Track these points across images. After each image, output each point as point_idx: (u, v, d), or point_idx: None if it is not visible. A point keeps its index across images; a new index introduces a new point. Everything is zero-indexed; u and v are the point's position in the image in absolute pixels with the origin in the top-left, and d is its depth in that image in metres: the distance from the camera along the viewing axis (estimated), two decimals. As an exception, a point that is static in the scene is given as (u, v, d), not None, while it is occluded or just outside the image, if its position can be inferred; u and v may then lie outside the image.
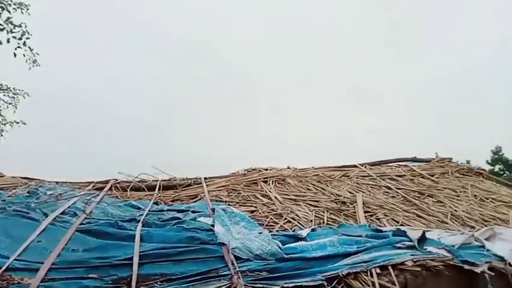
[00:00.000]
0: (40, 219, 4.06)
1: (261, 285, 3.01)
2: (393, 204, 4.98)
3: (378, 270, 3.09)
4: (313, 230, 3.92)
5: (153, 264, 3.28)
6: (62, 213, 4.37)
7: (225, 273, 3.14)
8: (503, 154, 43.58)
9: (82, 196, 5.29)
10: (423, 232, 3.51)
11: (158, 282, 3.06)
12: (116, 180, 6.11)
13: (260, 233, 3.68)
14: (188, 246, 3.49)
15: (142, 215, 4.39)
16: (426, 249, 3.40)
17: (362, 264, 3.15)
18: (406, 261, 3.17)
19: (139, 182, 6.10)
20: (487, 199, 5.47)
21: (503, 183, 6.75)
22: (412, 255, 3.25)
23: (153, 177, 6.12)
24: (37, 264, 3.14)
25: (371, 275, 3.04)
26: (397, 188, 5.59)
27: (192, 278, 3.07)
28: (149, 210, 4.64)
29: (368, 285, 2.96)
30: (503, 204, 5.32)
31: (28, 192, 5.05)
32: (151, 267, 3.24)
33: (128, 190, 5.81)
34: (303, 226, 4.09)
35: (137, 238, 3.61)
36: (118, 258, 3.32)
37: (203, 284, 3.03)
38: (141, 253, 3.36)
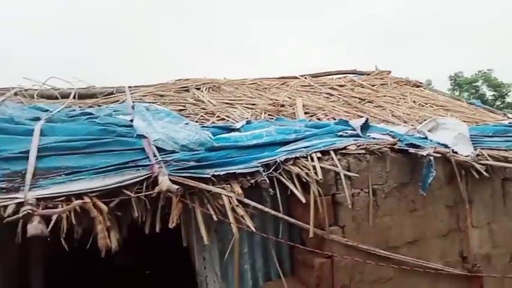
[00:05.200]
0: None
1: (188, 174, 2.58)
2: (333, 107, 4.72)
3: (319, 155, 2.79)
4: (248, 122, 3.52)
5: (57, 157, 2.72)
6: None
7: (145, 163, 2.66)
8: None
9: (-25, 99, 4.41)
10: (366, 119, 3.24)
11: (63, 175, 2.53)
12: (21, 86, 5.19)
13: (187, 124, 3.20)
14: (100, 139, 2.93)
15: (48, 115, 3.68)
16: (369, 135, 3.15)
17: (302, 149, 2.83)
18: (349, 145, 2.89)
19: (50, 89, 5.24)
20: (426, 104, 5.44)
21: (442, 93, 6.80)
22: (355, 140, 2.98)
23: (67, 82, 5.28)
24: None
25: (312, 160, 2.74)
26: (338, 94, 5.34)
27: (104, 169, 2.57)
28: (58, 112, 3.93)
29: (308, 170, 2.65)
30: (442, 108, 5.31)
31: None
32: (52, 160, 2.68)
33: (36, 97, 4.94)
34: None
35: (37, 132, 2.97)
36: (11, 152, 2.71)
37: (117, 174, 2.54)
38: (41, 146, 2.76)
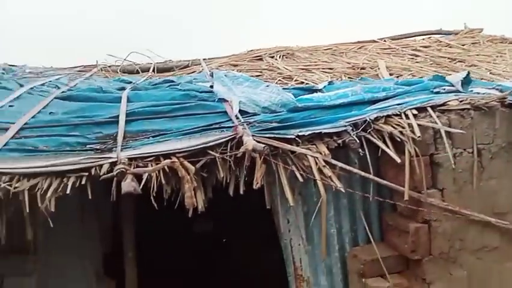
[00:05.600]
0: (14, 89, 3.53)
1: (272, 135, 2.50)
2: (421, 67, 4.34)
3: (414, 112, 2.54)
4: (330, 82, 3.33)
5: (143, 121, 2.79)
6: (42, 85, 3.84)
7: (228, 125, 2.63)
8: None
9: (67, 74, 4.73)
10: (468, 72, 2.89)
11: (150, 137, 2.58)
12: (106, 63, 5.48)
13: (267, 86, 3.10)
14: (183, 103, 2.94)
15: (133, 85, 3.81)
16: (472, 91, 2.81)
17: (395, 106, 2.60)
18: (450, 101, 2.60)
19: (131, 64, 5.47)
20: (529, 61, 4.81)
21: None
22: (456, 96, 2.67)
23: (147, 57, 5.46)
24: (6, 125, 2.68)
25: (406, 117, 2.50)
26: (424, 55, 4.91)
27: (189, 131, 2.57)
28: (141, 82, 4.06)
29: (403, 128, 2.42)
30: (550, 65, 4.66)
31: (3, 69, 4.45)
32: (140, 124, 2.75)
33: (119, 72, 5.18)
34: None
35: (124, 98, 3.08)
36: (102, 117, 2.83)
37: (202, 135, 2.53)
38: (128, 111, 2.85)
